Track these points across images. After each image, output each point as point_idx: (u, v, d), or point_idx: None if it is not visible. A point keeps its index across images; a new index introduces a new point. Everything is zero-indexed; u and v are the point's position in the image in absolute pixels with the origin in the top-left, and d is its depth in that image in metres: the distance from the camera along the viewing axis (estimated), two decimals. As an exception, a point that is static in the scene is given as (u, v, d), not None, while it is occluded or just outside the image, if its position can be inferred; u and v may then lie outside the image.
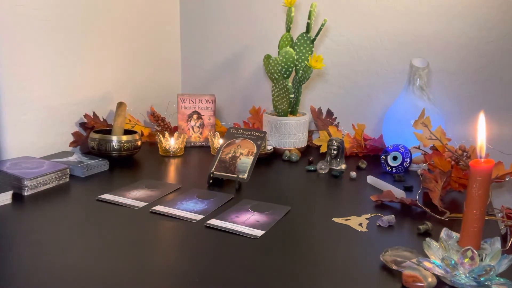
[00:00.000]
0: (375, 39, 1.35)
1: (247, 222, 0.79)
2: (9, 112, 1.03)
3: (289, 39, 1.26)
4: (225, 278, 0.61)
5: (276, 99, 1.28)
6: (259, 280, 0.61)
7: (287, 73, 1.23)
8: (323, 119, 1.41)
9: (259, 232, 0.75)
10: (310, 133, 1.42)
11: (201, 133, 1.38)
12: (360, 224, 0.80)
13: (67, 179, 0.99)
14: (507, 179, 0.91)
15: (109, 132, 1.21)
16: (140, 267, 0.63)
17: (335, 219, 0.83)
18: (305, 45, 1.25)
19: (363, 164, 1.18)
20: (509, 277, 0.59)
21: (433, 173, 0.94)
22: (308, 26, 1.23)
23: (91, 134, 1.15)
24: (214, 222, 0.79)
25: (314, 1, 1.24)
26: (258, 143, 1.05)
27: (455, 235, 0.64)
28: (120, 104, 1.25)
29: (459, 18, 1.25)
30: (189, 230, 0.77)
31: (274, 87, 1.27)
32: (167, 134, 1.27)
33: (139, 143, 1.18)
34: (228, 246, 0.71)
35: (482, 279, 0.57)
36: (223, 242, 0.72)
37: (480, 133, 0.62)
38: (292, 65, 1.22)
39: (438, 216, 0.83)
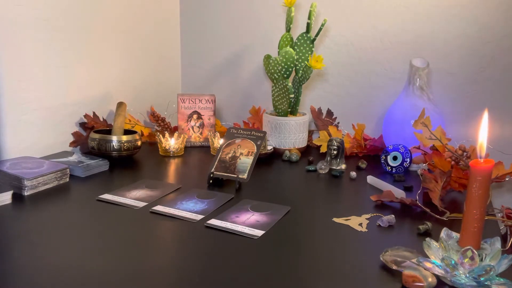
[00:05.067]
0: (375, 39, 1.35)
1: (247, 222, 0.79)
2: (9, 112, 1.03)
3: (289, 39, 1.26)
4: (225, 278, 0.61)
5: (276, 99, 1.28)
6: (259, 280, 0.61)
7: (287, 73, 1.23)
8: (323, 119, 1.41)
9: (259, 232, 0.75)
10: (310, 133, 1.42)
11: (201, 133, 1.38)
12: (360, 224, 0.80)
13: (67, 179, 0.99)
14: (507, 179, 0.90)
15: (109, 132, 1.21)
16: (140, 267, 0.63)
17: (335, 219, 0.83)
18: (305, 45, 1.25)
19: (363, 164, 1.18)
20: (509, 277, 0.59)
21: (433, 173, 0.94)
22: (308, 26, 1.23)
23: (91, 134, 1.15)
24: (214, 222, 0.79)
25: (314, 1, 1.24)
26: (258, 143, 1.05)
27: (455, 235, 0.64)
28: (120, 104, 1.25)
29: (459, 18, 1.25)
30: (189, 230, 0.77)
31: (274, 87, 1.27)
32: (167, 134, 1.27)
33: (139, 143, 1.18)
34: (228, 246, 0.71)
35: (482, 279, 0.57)
36: (223, 242, 0.72)
37: (483, 131, 0.62)
38: (292, 65, 1.22)
39: (438, 216, 0.83)
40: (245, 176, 0.99)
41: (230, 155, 1.05)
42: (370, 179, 1.05)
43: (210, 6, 1.56)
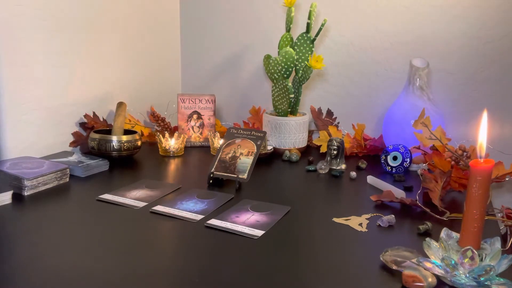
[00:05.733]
0: (375, 39, 1.35)
1: (247, 222, 0.79)
2: (9, 112, 1.03)
3: (289, 39, 1.26)
4: (225, 278, 0.61)
5: (276, 99, 1.28)
6: (259, 280, 0.61)
7: (287, 73, 1.23)
8: (323, 119, 1.41)
9: (259, 232, 0.75)
10: (310, 133, 1.42)
11: (201, 133, 1.38)
12: (360, 224, 0.80)
13: (67, 179, 0.99)
14: (507, 179, 0.90)
15: (109, 132, 1.21)
16: (140, 267, 0.63)
17: (335, 219, 0.83)
18: (305, 45, 1.25)
19: (363, 164, 1.18)
20: (509, 277, 0.59)
21: (433, 173, 0.94)
22: (308, 26, 1.23)
23: (91, 134, 1.15)
24: (214, 222, 0.79)
25: (314, 1, 1.24)
26: (258, 143, 1.05)
27: (455, 235, 0.64)
28: (120, 104, 1.25)
29: (459, 18, 1.25)
30: (189, 230, 0.77)
31: (274, 87, 1.27)
32: (167, 134, 1.27)
33: (139, 143, 1.18)
34: (228, 246, 0.71)
35: (482, 279, 0.57)
36: (223, 242, 0.72)
37: (482, 131, 0.62)
38: (292, 65, 1.22)
39: (438, 216, 0.83)
40: (245, 176, 0.99)
41: (230, 155, 1.05)
42: (370, 179, 1.05)
43: (210, 6, 1.56)
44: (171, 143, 1.25)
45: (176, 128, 1.46)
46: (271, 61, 1.24)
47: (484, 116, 0.63)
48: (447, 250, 0.61)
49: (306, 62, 1.25)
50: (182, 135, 1.26)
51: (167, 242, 0.73)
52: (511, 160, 0.95)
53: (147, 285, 0.59)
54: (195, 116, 1.37)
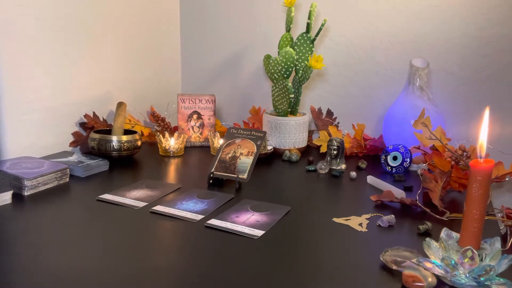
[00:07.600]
0: (375, 39, 1.35)
1: (247, 222, 0.79)
2: (9, 112, 1.03)
3: (289, 39, 1.26)
4: (225, 278, 0.61)
5: (276, 99, 1.28)
6: (259, 280, 0.61)
7: (287, 73, 1.23)
8: (323, 119, 1.41)
9: (259, 232, 0.75)
10: (310, 133, 1.42)
11: (201, 133, 1.38)
12: (360, 224, 0.80)
13: (67, 179, 0.99)
14: (507, 179, 0.90)
15: (109, 132, 1.21)
16: (140, 267, 0.63)
17: (335, 219, 0.83)
18: (305, 45, 1.25)
19: (363, 164, 1.18)
20: (509, 277, 0.59)
21: (433, 173, 0.94)
22: (308, 26, 1.23)
23: (91, 134, 1.15)
24: (214, 222, 0.79)
25: (314, 1, 1.24)
26: (258, 143, 1.05)
27: (455, 235, 0.64)
28: (120, 104, 1.25)
29: (459, 18, 1.25)
30: (189, 230, 0.77)
31: (274, 87, 1.27)
32: (167, 134, 1.27)
33: (139, 143, 1.18)
34: (228, 246, 0.71)
35: (482, 279, 0.57)
36: (223, 242, 0.72)
37: (484, 129, 0.62)
38: (292, 65, 1.22)
39: (438, 216, 0.83)
40: (245, 176, 0.99)
41: (230, 155, 1.05)
42: (370, 179, 1.05)
43: (210, 6, 1.56)
44: (171, 143, 1.25)
45: (176, 128, 1.46)
46: (271, 61, 1.24)
47: (486, 114, 0.62)
48: (447, 250, 0.61)
49: (306, 62, 1.25)
50: (182, 135, 1.26)
51: (167, 242, 0.73)
52: (511, 160, 0.95)
53: (147, 285, 0.59)
54: (195, 116, 1.37)
